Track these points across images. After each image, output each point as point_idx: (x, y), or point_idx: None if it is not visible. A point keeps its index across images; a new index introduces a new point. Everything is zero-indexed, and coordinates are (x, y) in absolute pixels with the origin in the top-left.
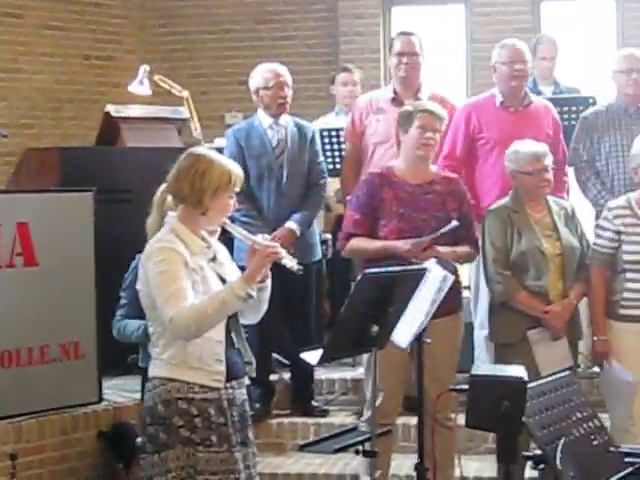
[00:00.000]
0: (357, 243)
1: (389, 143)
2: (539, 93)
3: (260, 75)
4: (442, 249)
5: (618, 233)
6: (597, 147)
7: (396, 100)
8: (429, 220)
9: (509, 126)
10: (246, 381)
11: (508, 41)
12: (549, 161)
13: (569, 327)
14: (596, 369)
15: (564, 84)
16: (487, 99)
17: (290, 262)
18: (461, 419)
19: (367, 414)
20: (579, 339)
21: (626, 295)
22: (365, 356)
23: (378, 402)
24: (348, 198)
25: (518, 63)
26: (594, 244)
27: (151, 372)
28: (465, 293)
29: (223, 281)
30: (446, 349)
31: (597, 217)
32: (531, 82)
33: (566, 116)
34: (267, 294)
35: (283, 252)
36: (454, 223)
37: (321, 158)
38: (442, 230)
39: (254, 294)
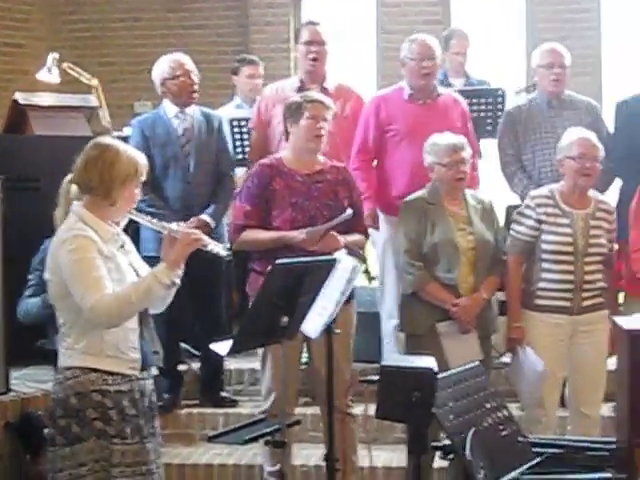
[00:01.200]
0: (249, 234)
1: None
2: (449, 85)
3: (166, 65)
4: (338, 237)
5: (539, 222)
6: (522, 141)
7: (302, 89)
8: (322, 209)
9: (417, 118)
10: (154, 371)
11: (417, 36)
12: (467, 153)
13: (479, 321)
14: (505, 359)
15: (474, 77)
16: (396, 91)
17: (216, 248)
18: (371, 409)
19: (265, 405)
20: (491, 334)
21: (542, 285)
22: (260, 350)
23: (274, 395)
24: (237, 190)
25: (426, 60)
26: (514, 231)
27: (63, 362)
28: (373, 283)
29: (134, 270)
30: (341, 338)
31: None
32: (442, 74)
33: (475, 108)
34: (176, 283)
35: (206, 238)
36: (349, 212)
37: (230, 147)
38: (337, 219)
39: (178, 281)
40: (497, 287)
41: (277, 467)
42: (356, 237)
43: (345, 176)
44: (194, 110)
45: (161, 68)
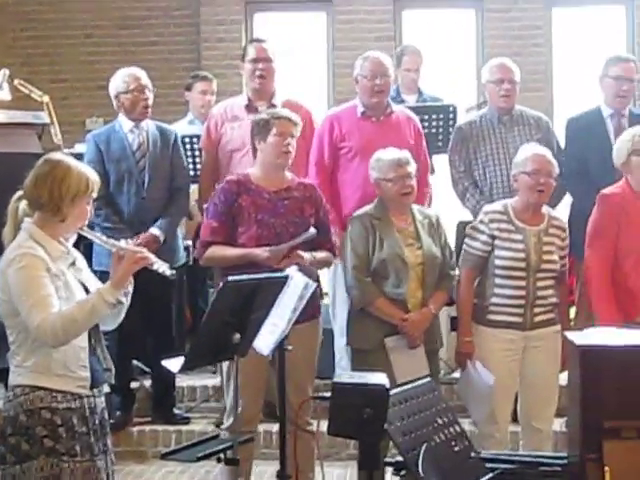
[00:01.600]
0: (216, 251)
1: (244, 150)
2: (402, 102)
3: (120, 80)
4: (303, 254)
5: (492, 237)
6: (473, 157)
7: (250, 107)
8: (287, 226)
9: (370, 135)
10: (106, 388)
11: (370, 54)
12: (412, 168)
13: (426, 336)
14: (456, 375)
15: (427, 93)
16: (349, 109)
17: (162, 267)
18: (323, 426)
19: (228, 422)
20: (438, 349)
21: (494, 300)
22: (225, 364)
23: (239, 410)
24: (205, 206)
25: (379, 78)
26: (467, 245)
27: (12, 381)
28: (325, 300)
29: (84, 287)
30: (306, 354)
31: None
32: (394, 91)
33: (426, 124)
34: (128, 300)
35: (152, 257)
36: (312, 231)
37: (185, 163)
38: (300, 238)
39: (124, 300)
40: (445, 302)
41: None
42: (324, 254)
43: (312, 193)
44: (149, 125)
45: (116, 82)
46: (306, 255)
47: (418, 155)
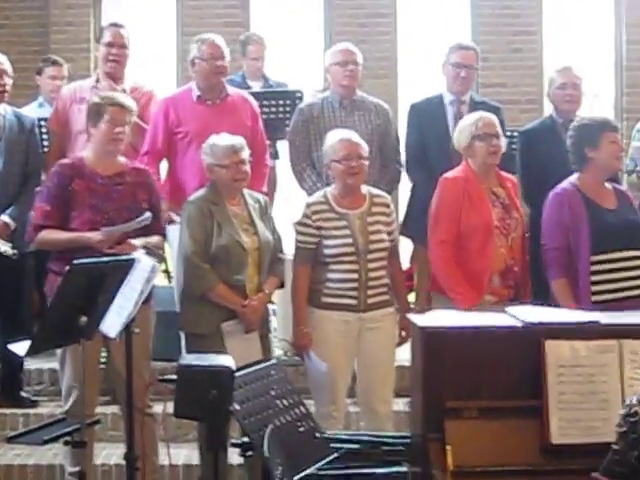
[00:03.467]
0: (47, 234)
1: None
2: (248, 88)
3: None
4: (135, 241)
5: (319, 228)
6: (313, 139)
7: (97, 89)
8: (121, 211)
9: (207, 119)
10: None
11: (206, 36)
12: (246, 154)
13: (261, 321)
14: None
15: (273, 79)
16: (184, 92)
17: (4, 247)
18: (170, 408)
19: (66, 406)
20: (269, 333)
21: (328, 285)
22: (58, 350)
23: (74, 395)
24: (37, 189)
25: (219, 59)
26: (297, 241)
27: None
28: (173, 282)
29: None
30: (141, 337)
31: None
32: (240, 77)
33: (273, 109)
34: None
35: None
36: (147, 214)
37: (40, 149)
38: (135, 221)
39: None
40: (277, 286)
41: (78, 467)
42: (155, 239)
43: (145, 179)
44: (6, 110)
45: None
46: (139, 241)
47: (255, 137)
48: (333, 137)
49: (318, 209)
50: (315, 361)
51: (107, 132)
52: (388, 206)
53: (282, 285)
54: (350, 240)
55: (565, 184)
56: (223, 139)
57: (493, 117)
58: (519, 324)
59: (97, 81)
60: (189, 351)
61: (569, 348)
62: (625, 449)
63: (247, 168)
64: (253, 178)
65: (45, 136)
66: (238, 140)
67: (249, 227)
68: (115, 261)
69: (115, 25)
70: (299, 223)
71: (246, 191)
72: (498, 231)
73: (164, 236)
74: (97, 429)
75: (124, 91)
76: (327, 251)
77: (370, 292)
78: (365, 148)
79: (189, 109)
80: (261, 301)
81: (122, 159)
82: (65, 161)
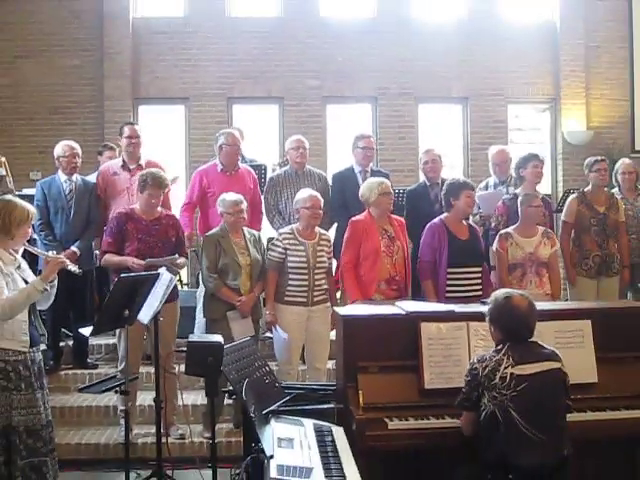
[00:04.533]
0: (109, 257)
1: (123, 194)
2: None
3: (60, 148)
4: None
5: (285, 249)
6: (279, 197)
7: (124, 166)
8: (157, 242)
9: (225, 184)
10: (42, 346)
11: (227, 130)
12: (244, 206)
13: (253, 310)
14: (268, 334)
15: (248, 157)
16: (212, 167)
17: (73, 267)
18: (182, 368)
19: (120, 366)
20: (259, 318)
21: (289, 288)
22: (117, 330)
23: (126, 360)
24: (105, 228)
25: (235, 145)
26: (269, 256)
27: None
28: (185, 288)
29: (26, 282)
30: (169, 323)
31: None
32: None
33: None
34: (54, 289)
35: (67, 262)
36: (175, 257)
37: (97, 203)
38: (166, 259)
39: (48, 288)
40: (263, 289)
41: (124, 407)
42: (182, 259)
43: (174, 222)
44: (77, 177)
45: (57, 149)
46: (180, 260)
47: (254, 196)
48: (305, 192)
49: (286, 237)
50: (280, 332)
51: (146, 201)
52: (329, 241)
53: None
54: (305, 259)
55: (436, 220)
56: (229, 196)
57: (388, 182)
58: (404, 312)
59: (123, 161)
60: (208, 330)
61: (435, 327)
62: (469, 390)
63: (244, 215)
64: (252, 221)
65: None
66: (239, 197)
67: (245, 251)
68: (147, 275)
69: (131, 124)
70: (273, 244)
71: (245, 228)
72: (384, 254)
73: (186, 256)
74: (138, 382)
75: (141, 166)
76: (289, 264)
77: (315, 293)
78: (322, 203)
79: (215, 177)
80: (250, 298)
81: (160, 209)
82: (121, 210)
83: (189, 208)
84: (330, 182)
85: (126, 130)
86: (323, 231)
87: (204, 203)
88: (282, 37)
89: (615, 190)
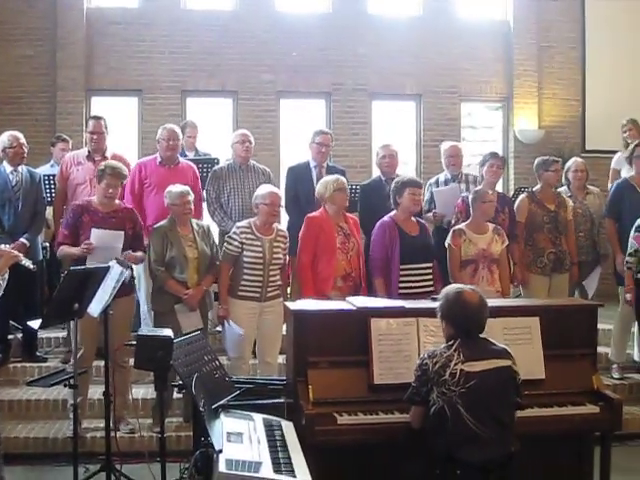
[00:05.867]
0: (65, 249)
1: (85, 184)
2: (185, 156)
3: (6, 138)
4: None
5: (242, 243)
6: (221, 189)
7: (89, 157)
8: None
9: (164, 177)
10: None
11: (167, 125)
12: (190, 198)
13: (201, 303)
14: (218, 328)
15: (201, 150)
16: (152, 159)
17: (27, 262)
18: (132, 362)
19: (72, 361)
20: (207, 311)
21: (243, 283)
22: (71, 323)
23: (80, 353)
24: (61, 220)
25: (172, 140)
26: (226, 248)
27: None
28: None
29: None
30: (122, 317)
31: (221, 234)
32: (181, 149)
33: (202, 169)
34: (5, 282)
35: (21, 256)
36: (128, 252)
37: (44, 194)
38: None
39: (1, 282)
40: (212, 282)
41: (74, 401)
42: (139, 253)
43: (131, 215)
44: (23, 168)
45: (2, 140)
46: (136, 254)
47: (195, 189)
48: (265, 188)
49: (244, 231)
50: (234, 327)
51: (104, 190)
52: (285, 237)
53: (216, 281)
54: (261, 255)
55: (386, 218)
56: (175, 187)
57: (344, 178)
58: (354, 308)
59: (89, 152)
60: (156, 324)
61: (385, 323)
62: (419, 385)
63: (191, 206)
64: (196, 213)
65: (53, 187)
66: (186, 188)
67: (192, 244)
68: (97, 268)
69: (95, 118)
70: (230, 237)
71: (194, 220)
72: (340, 251)
73: (144, 251)
74: (89, 375)
75: (106, 158)
76: (245, 259)
77: (269, 289)
78: (281, 199)
79: (153, 169)
80: (198, 292)
81: (117, 201)
82: (78, 202)
83: (133, 200)
84: (284, 175)
85: (90, 125)
86: (281, 227)
87: (141, 196)
88: (237, 31)
89: (563, 189)
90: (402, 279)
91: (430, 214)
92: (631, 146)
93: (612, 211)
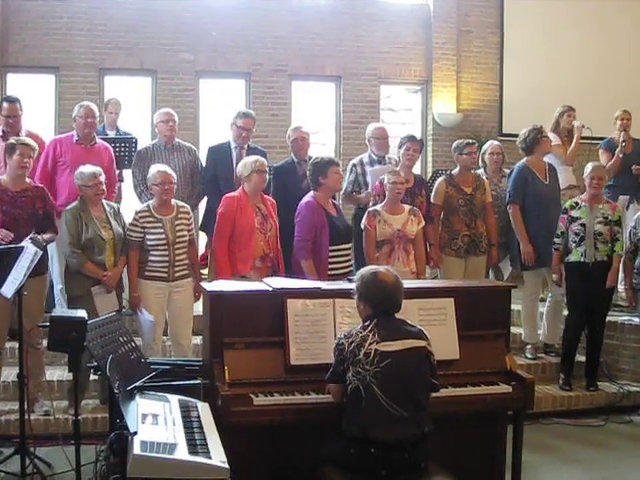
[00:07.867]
0: None
1: (0, 164)
2: (106, 134)
3: None
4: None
5: (143, 228)
6: (148, 170)
7: (4, 136)
8: (23, 215)
9: (79, 155)
10: None
11: (84, 103)
12: (102, 178)
13: (117, 284)
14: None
15: (122, 129)
16: (68, 137)
17: None
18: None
19: None
20: (121, 292)
21: (150, 264)
22: None
23: None
24: None
25: (89, 118)
26: (129, 236)
27: None
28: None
29: None
30: (35, 297)
31: None
32: (101, 127)
33: (121, 148)
34: None
35: None
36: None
37: None
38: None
39: None
40: (125, 263)
41: None
42: (50, 234)
43: (42, 193)
44: None
45: None
46: (45, 236)
47: (109, 170)
48: (154, 168)
49: (143, 215)
50: (145, 314)
51: (17, 162)
52: (188, 213)
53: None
54: (163, 236)
55: (308, 198)
56: (87, 168)
57: (264, 160)
58: (270, 289)
59: (3, 132)
60: (70, 307)
61: (301, 304)
62: (336, 365)
63: (104, 187)
64: (109, 194)
65: None
66: (98, 169)
67: (106, 225)
68: (9, 248)
69: (9, 100)
70: (131, 224)
71: (104, 201)
72: (258, 231)
73: (55, 232)
74: (1, 357)
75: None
76: (148, 242)
77: (176, 269)
78: (174, 176)
79: (69, 147)
80: (115, 272)
81: (28, 180)
82: None
83: (44, 178)
84: (205, 155)
85: (4, 108)
86: (182, 204)
87: (54, 172)
88: (156, 9)
89: (480, 171)
90: (331, 260)
91: (363, 194)
92: (524, 130)
93: (517, 197)
